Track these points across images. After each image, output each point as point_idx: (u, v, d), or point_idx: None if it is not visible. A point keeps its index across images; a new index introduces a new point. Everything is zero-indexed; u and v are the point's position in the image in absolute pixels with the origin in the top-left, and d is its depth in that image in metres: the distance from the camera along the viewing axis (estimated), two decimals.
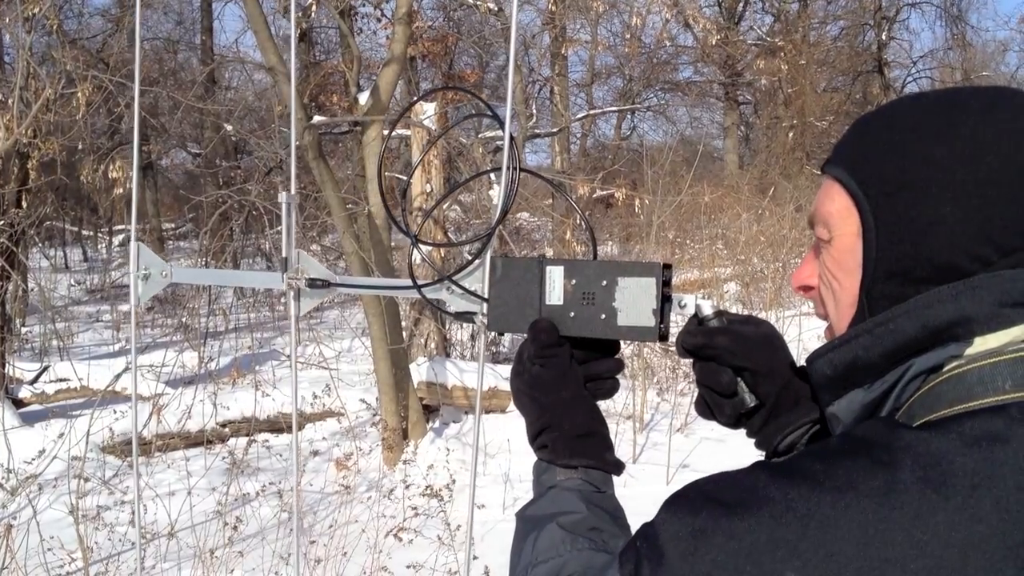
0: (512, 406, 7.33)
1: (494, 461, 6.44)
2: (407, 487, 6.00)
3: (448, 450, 6.59)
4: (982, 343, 0.78)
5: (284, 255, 1.45)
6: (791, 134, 21.53)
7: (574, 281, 1.17)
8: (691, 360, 1.13)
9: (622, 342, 1.20)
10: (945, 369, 0.79)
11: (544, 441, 1.12)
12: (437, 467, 6.36)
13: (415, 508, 5.72)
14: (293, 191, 1.55)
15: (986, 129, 0.82)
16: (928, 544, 0.70)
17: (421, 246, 1.35)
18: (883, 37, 26.23)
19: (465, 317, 1.31)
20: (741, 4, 24.96)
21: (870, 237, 0.86)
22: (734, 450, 6.21)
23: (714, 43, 19.65)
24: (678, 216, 12.41)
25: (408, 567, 5.01)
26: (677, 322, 1.15)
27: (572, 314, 1.17)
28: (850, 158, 0.90)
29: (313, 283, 1.47)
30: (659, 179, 9.27)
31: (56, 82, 7.83)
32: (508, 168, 1.31)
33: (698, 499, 0.81)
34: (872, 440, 0.78)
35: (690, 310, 1.14)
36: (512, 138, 1.31)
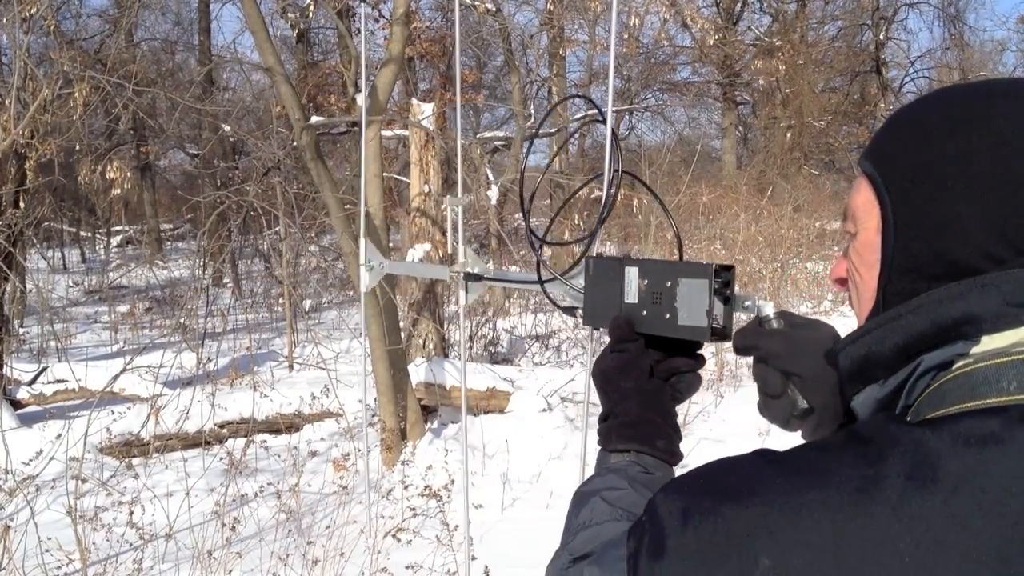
0: (510, 407, 7.34)
1: (492, 461, 6.44)
2: (405, 488, 5.99)
3: (447, 451, 6.59)
4: (989, 342, 0.77)
5: (451, 251, 1.72)
6: (789, 134, 21.57)
7: (646, 281, 1.25)
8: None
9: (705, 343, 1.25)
10: (953, 367, 0.79)
11: (602, 428, 1.20)
12: (435, 468, 6.35)
13: (414, 508, 5.71)
14: (459, 194, 1.80)
15: (1005, 123, 0.80)
16: (899, 541, 0.70)
17: (551, 248, 1.48)
18: (881, 37, 26.26)
19: (571, 312, 1.44)
20: (739, 4, 24.99)
21: (888, 232, 0.86)
22: (733, 451, 6.22)
23: (712, 43, 19.68)
24: (676, 216, 12.40)
25: (407, 568, 5.01)
26: (741, 322, 1.19)
27: (644, 312, 1.24)
28: (877, 151, 0.90)
29: (470, 276, 1.72)
30: (657, 179, 9.29)
31: (53, 83, 7.83)
32: (610, 170, 1.42)
33: (695, 480, 0.83)
34: (867, 435, 0.78)
35: (754, 311, 1.17)
36: (615, 135, 1.39)
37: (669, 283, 1.20)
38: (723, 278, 1.17)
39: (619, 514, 1.04)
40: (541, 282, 1.49)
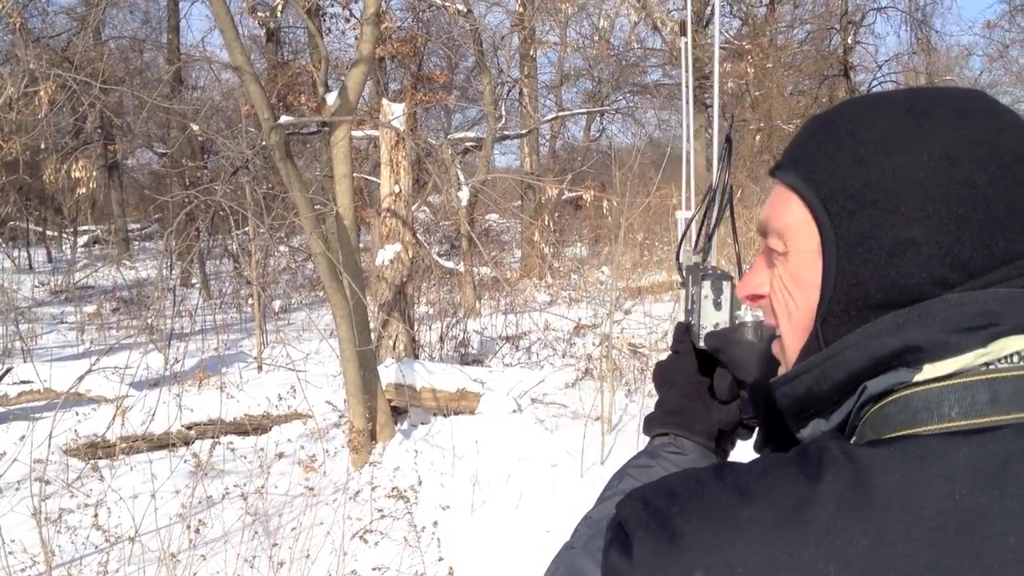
0: (480, 408, 7.33)
1: (462, 462, 6.43)
2: (373, 489, 5.97)
3: (416, 452, 6.57)
4: (931, 370, 0.75)
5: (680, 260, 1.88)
6: (758, 137, 21.69)
7: (694, 288, 1.32)
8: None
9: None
10: (895, 392, 0.78)
11: (647, 417, 1.30)
12: (404, 469, 6.34)
13: (381, 510, 5.70)
14: (692, 207, 1.94)
15: (957, 142, 0.78)
16: (828, 565, 0.69)
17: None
18: (849, 41, 26.46)
19: None
20: (709, 8, 25.09)
21: (830, 257, 0.82)
22: None
23: (681, 46, 19.75)
24: (646, 218, 12.45)
25: (374, 569, 4.99)
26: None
27: (689, 317, 1.32)
28: (808, 167, 0.85)
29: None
30: (627, 181, 9.30)
31: (19, 80, 7.74)
32: (721, 182, 1.46)
33: (658, 488, 0.82)
34: (809, 454, 0.77)
35: (743, 319, 1.22)
36: (729, 141, 1.42)
37: (693, 291, 1.29)
38: (716, 286, 1.21)
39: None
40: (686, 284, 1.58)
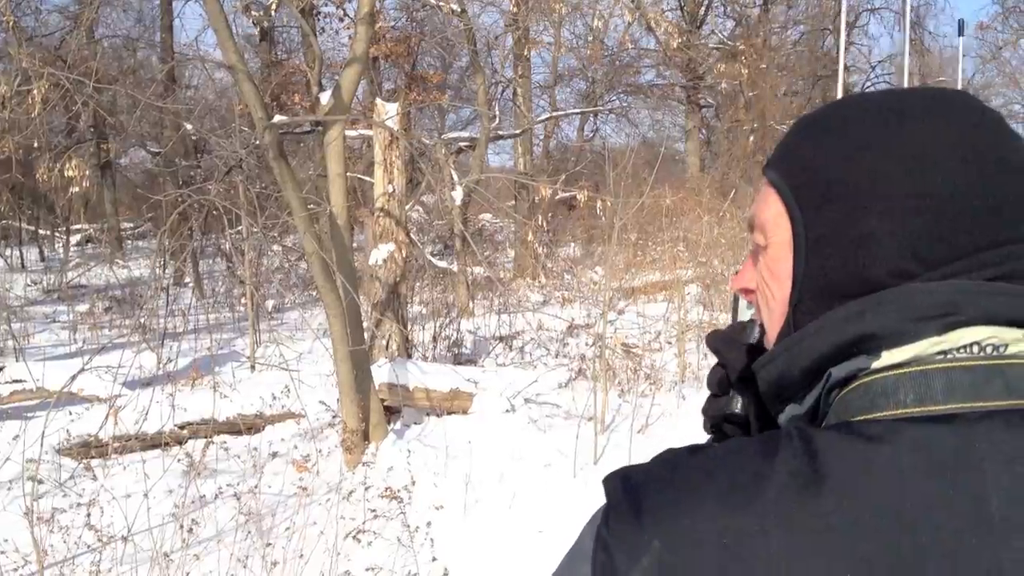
0: (473, 408, 7.34)
1: (455, 462, 6.43)
2: (367, 489, 5.97)
3: (409, 451, 6.57)
4: (889, 357, 0.77)
5: None
6: (752, 137, 21.74)
7: None
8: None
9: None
10: (857, 379, 0.79)
11: None
12: (397, 469, 6.33)
13: (374, 510, 5.69)
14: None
15: (931, 142, 0.80)
16: (774, 541, 0.70)
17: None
18: (842, 42, 26.53)
19: None
20: (703, 8, 25.14)
21: (800, 249, 0.85)
22: None
23: (675, 46, 19.78)
24: (640, 218, 12.45)
25: (367, 569, 4.99)
26: None
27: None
28: (788, 163, 0.88)
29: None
30: (621, 181, 9.31)
31: (12, 79, 7.72)
32: None
33: (639, 466, 0.84)
34: (772, 435, 0.79)
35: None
36: None
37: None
38: None
39: None
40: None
